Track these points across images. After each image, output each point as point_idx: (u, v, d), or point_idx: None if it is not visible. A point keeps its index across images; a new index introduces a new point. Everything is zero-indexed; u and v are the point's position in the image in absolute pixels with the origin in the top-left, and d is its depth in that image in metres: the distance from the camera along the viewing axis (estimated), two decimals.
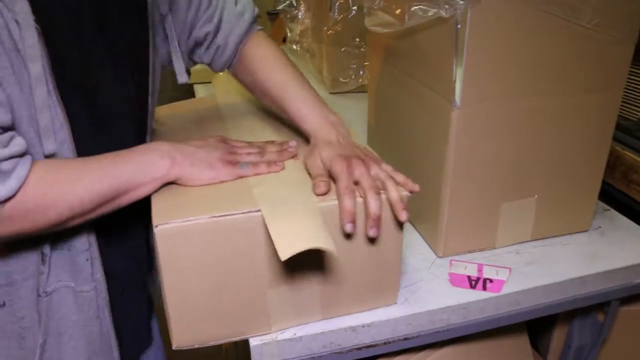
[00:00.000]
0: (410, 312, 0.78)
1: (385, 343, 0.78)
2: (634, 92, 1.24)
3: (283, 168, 0.74)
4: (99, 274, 0.71)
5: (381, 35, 0.93)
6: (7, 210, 0.57)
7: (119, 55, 0.70)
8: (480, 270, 0.87)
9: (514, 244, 0.94)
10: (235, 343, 0.72)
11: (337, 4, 1.56)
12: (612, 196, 1.16)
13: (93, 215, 0.64)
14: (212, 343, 0.70)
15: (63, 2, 0.61)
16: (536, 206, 0.92)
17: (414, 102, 0.92)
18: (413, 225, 0.99)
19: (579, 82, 0.84)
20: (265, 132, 0.88)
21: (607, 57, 0.83)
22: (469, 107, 0.79)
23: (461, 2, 0.72)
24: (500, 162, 0.86)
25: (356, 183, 0.69)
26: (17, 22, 0.56)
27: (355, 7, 1.56)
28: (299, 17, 1.89)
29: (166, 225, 0.60)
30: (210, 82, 1.68)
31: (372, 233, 0.67)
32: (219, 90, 1.18)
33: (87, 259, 0.69)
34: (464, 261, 0.89)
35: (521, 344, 1.01)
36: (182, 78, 0.83)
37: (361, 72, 1.67)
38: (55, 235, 0.66)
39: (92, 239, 0.69)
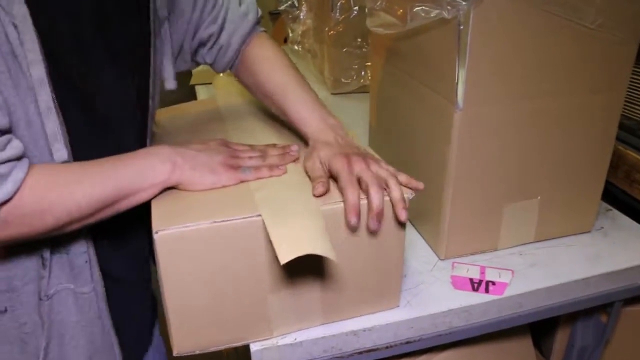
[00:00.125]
0: (412, 316, 0.77)
1: (387, 347, 0.78)
2: (636, 92, 1.23)
3: (285, 172, 0.74)
4: (96, 275, 0.70)
5: (383, 36, 0.92)
6: (3, 215, 0.57)
7: (120, 57, 0.70)
8: (482, 273, 0.86)
9: (516, 246, 0.94)
10: (236, 347, 0.72)
11: (338, 4, 1.55)
12: (615, 196, 1.16)
13: (92, 220, 0.64)
14: (213, 349, 0.69)
15: (63, 6, 0.61)
16: (539, 207, 0.91)
17: (416, 103, 0.91)
18: (415, 227, 0.99)
19: (583, 82, 0.83)
20: (267, 135, 0.88)
21: (610, 58, 0.82)
22: (472, 108, 0.78)
23: (464, 2, 0.71)
24: (503, 163, 0.85)
25: (357, 180, 0.68)
26: (15, 25, 0.55)
27: (356, 8, 1.55)
28: (301, 17, 1.89)
29: (166, 231, 0.60)
30: (211, 84, 1.68)
31: (372, 226, 0.66)
32: (219, 92, 1.17)
33: (86, 261, 0.69)
34: (466, 263, 0.89)
35: (524, 346, 1.01)
36: (170, 84, 0.82)
37: (363, 73, 1.67)
38: (54, 239, 0.65)
39: (91, 240, 0.69)
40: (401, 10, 0.82)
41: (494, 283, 0.84)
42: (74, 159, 0.64)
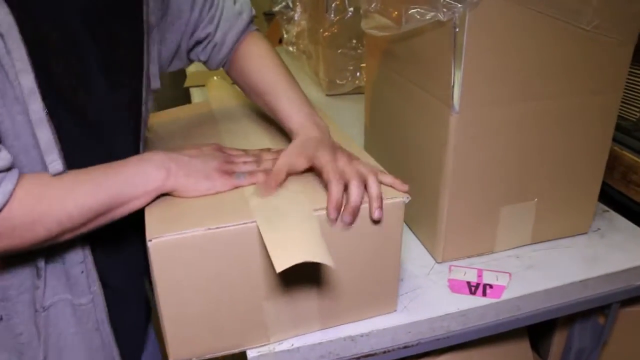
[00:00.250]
0: (409, 320, 0.77)
1: (384, 352, 0.77)
2: (632, 92, 1.23)
3: None
4: (96, 286, 0.69)
5: (378, 38, 0.92)
6: None
7: (112, 64, 0.68)
8: (480, 276, 0.86)
9: (513, 248, 0.93)
10: (233, 354, 0.71)
11: (333, 5, 1.55)
12: (611, 197, 1.16)
13: (85, 229, 0.63)
14: (209, 356, 0.69)
15: (51, 14, 0.59)
16: (536, 209, 0.91)
17: (411, 106, 0.91)
18: (411, 230, 0.98)
19: (579, 84, 0.83)
20: (260, 137, 0.87)
21: (607, 59, 0.82)
22: (468, 111, 0.78)
23: (459, 5, 0.71)
24: (499, 166, 0.85)
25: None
26: (0, 34, 0.54)
27: (351, 9, 1.55)
28: (295, 18, 1.88)
29: (160, 239, 0.59)
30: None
31: (347, 220, 0.65)
32: (212, 95, 1.17)
33: (82, 271, 0.68)
34: (463, 266, 0.88)
35: (522, 348, 1.01)
36: (155, 84, 0.80)
37: (358, 74, 1.66)
38: (49, 248, 0.64)
39: (87, 250, 0.68)
40: (396, 13, 0.81)
41: (491, 286, 0.83)
42: (68, 168, 0.62)
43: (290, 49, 2.02)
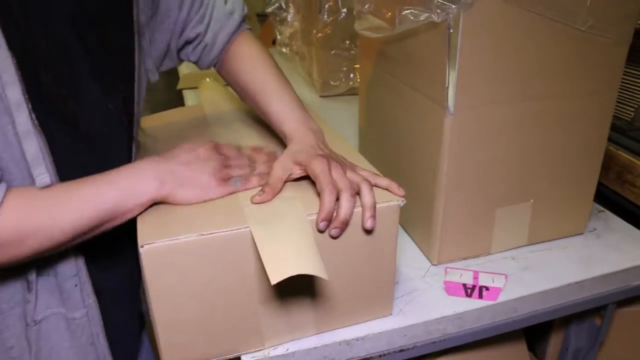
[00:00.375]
0: (405, 324, 0.76)
1: (380, 355, 0.77)
2: (626, 92, 1.23)
3: None
4: (91, 300, 0.68)
5: (372, 39, 0.91)
6: None
7: (104, 67, 0.67)
8: (476, 278, 0.85)
9: (510, 249, 0.93)
10: (228, 359, 0.71)
11: (326, 6, 1.55)
12: (606, 197, 1.15)
13: (74, 242, 0.61)
14: None
15: (41, 22, 0.58)
16: (532, 210, 0.91)
17: (406, 107, 0.90)
18: (407, 232, 0.98)
19: (574, 84, 0.82)
20: (254, 142, 0.86)
21: (602, 59, 0.82)
22: (463, 113, 0.77)
23: (453, 6, 0.70)
24: (494, 167, 0.84)
25: None
26: None
27: (344, 10, 1.54)
28: (288, 19, 1.88)
29: (152, 245, 0.58)
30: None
31: (334, 233, 0.65)
32: (205, 97, 1.16)
33: (76, 285, 0.66)
34: (459, 268, 0.88)
35: (518, 350, 1.00)
36: (153, 76, 0.80)
37: (351, 75, 1.66)
38: (40, 261, 0.63)
39: (81, 262, 0.66)
40: (390, 14, 0.81)
41: (487, 288, 0.83)
42: (60, 177, 0.61)
43: (284, 50, 2.01)
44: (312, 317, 0.71)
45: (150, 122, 0.95)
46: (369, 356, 0.76)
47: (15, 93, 0.55)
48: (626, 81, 1.22)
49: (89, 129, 0.66)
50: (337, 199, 0.65)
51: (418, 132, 0.87)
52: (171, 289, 0.61)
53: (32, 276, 0.63)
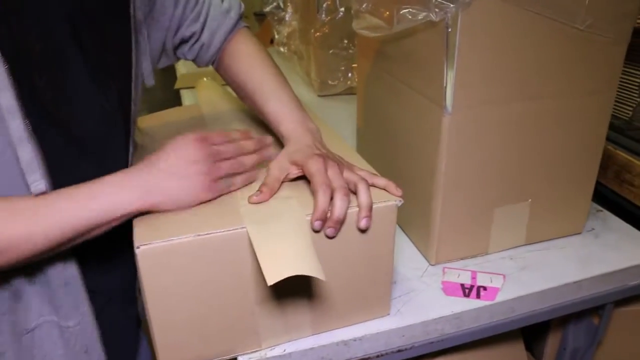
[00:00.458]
0: (403, 324, 0.76)
1: (378, 356, 0.76)
2: (624, 91, 1.23)
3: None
4: (85, 307, 0.67)
5: (370, 38, 0.91)
6: None
7: (101, 66, 0.66)
8: (473, 278, 0.85)
9: (508, 249, 0.93)
10: None
11: (324, 5, 1.54)
12: (605, 196, 1.15)
13: (61, 249, 0.60)
14: None
15: (37, 24, 0.57)
16: (530, 210, 0.90)
17: (404, 106, 0.90)
18: (404, 232, 0.97)
19: (573, 83, 0.82)
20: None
21: (600, 59, 0.82)
22: (461, 112, 0.77)
23: (451, 5, 0.70)
24: (493, 166, 0.84)
25: None
26: None
27: (342, 9, 1.54)
28: (286, 19, 1.87)
29: (148, 246, 0.58)
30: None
31: (329, 232, 0.64)
32: (202, 97, 1.16)
33: (69, 294, 0.65)
34: (457, 268, 0.88)
35: (516, 349, 1.00)
36: (149, 81, 0.78)
37: (349, 75, 1.66)
38: (29, 268, 0.61)
39: (73, 269, 0.65)
40: (388, 13, 0.80)
41: (485, 288, 0.83)
42: (54, 183, 0.60)
43: (282, 49, 2.01)
44: (309, 318, 0.71)
45: (148, 122, 0.95)
46: (366, 357, 0.76)
47: (7, 99, 0.54)
48: (624, 80, 1.22)
49: (84, 131, 0.65)
50: (332, 199, 0.65)
51: (416, 132, 0.87)
52: (167, 290, 0.61)
53: (22, 284, 0.62)
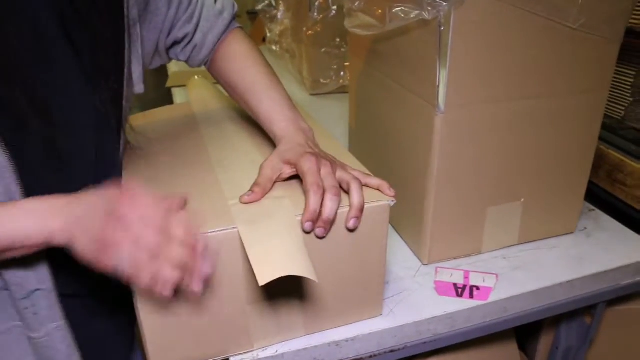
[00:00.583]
0: (396, 324, 0.75)
1: (370, 356, 0.76)
2: (617, 90, 1.23)
3: None
4: (57, 314, 0.63)
5: (362, 37, 0.90)
6: None
7: (92, 64, 0.65)
8: (466, 278, 0.85)
9: (500, 249, 0.93)
10: None
11: (316, 4, 1.54)
12: (597, 196, 1.16)
13: None
14: None
15: (26, 26, 0.56)
16: (523, 210, 0.90)
17: (396, 106, 0.90)
18: (397, 232, 0.97)
19: (566, 83, 0.82)
20: (242, 140, 0.85)
21: (593, 58, 0.81)
22: (454, 111, 0.77)
23: (444, 3, 0.69)
24: (485, 166, 0.84)
25: None
26: None
27: (335, 7, 1.54)
28: (279, 17, 1.87)
29: None
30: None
31: (319, 232, 0.64)
32: (193, 95, 1.15)
33: (34, 304, 0.61)
34: (449, 268, 0.87)
35: (509, 349, 1.00)
36: (138, 88, 0.75)
37: (342, 73, 1.65)
38: None
39: (44, 276, 0.61)
40: (380, 11, 0.80)
41: (478, 288, 0.82)
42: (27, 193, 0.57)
43: (274, 48, 2.00)
44: (301, 318, 0.70)
45: (139, 121, 0.94)
46: (359, 357, 0.75)
47: None
48: (617, 80, 1.22)
49: (75, 131, 0.64)
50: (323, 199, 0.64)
51: (408, 131, 0.87)
52: None
53: None
